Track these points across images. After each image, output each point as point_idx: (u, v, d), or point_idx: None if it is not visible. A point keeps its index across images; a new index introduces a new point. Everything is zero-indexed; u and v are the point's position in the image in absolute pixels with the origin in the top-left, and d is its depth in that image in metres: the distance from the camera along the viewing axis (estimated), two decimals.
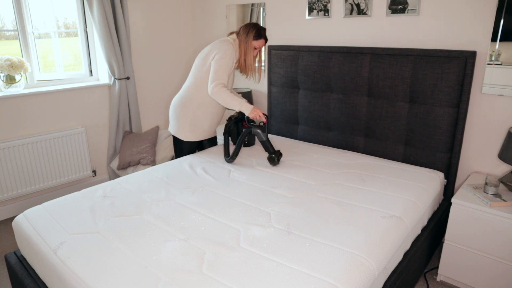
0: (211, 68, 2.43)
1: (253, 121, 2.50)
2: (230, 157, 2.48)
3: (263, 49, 2.84)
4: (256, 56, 2.58)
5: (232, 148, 2.75)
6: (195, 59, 2.57)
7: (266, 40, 2.55)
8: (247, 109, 2.41)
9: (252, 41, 2.47)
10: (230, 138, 2.80)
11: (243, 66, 2.55)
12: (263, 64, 2.70)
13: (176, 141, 2.68)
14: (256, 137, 2.56)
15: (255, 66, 2.58)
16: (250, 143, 2.89)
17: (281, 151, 2.60)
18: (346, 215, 1.79)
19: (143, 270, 1.41)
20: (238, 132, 2.70)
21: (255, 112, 2.41)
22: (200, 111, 2.57)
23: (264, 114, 2.43)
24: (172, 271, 1.39)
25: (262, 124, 2.46)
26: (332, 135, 2.88)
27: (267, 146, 2.42)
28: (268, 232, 1.64)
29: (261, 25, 3.28)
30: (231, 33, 2.57)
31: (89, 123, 3.32)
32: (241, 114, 2.64)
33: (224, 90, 2.41)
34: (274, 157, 2.39)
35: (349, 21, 2.74)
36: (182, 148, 2.69)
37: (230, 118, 2.68)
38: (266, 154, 2.67)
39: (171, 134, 3.69)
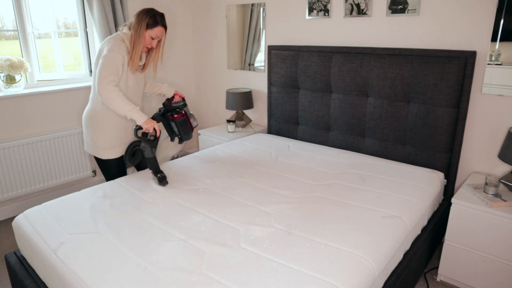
0: (98, 66, 2.05)
1: (146, 134, 2.13)
2: (129, 159, 2.19)
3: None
4: (156, 48, 2.23)
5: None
6: None
7: (165, 27, 2.18)
8: (140, 119, 2.04)
9: (144, 30, 2.10)
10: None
11: (134, 62, 2.14)
12: (159, 60, 2.32)
13: (98, 161, 2.33)
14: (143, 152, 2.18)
15: (143, 58, 2.22)
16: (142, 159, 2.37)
17: (165, 174, 2.20)
18: (346, 215, 1.79)
19: (143, 270, 1.41)
20: (169, 125, 2.35)
21: (149, 124, 2.05)
22: (110, 123, 2.21)
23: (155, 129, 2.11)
24: (172, 271, 1.39)
25: (151, 138, 2.13)
26: (332, 135, 2.88)
27: (153, 164, 2.15)
28: (268, 232, 1.64)
29: (261, 25, 3.29)
30: (125, 25, 2.20)
31: None
32: (167, 105, 2.35)
33: (113, 90, 2.00)
34: (161, 176, 2.12)
35: (349, 21, 2.74)
36: (107, 167, 2.33)
37: (159, 110, 2.36)
38: (266, 154, 2.67)
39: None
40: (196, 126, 2.48)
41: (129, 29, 2.14)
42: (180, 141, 2.38)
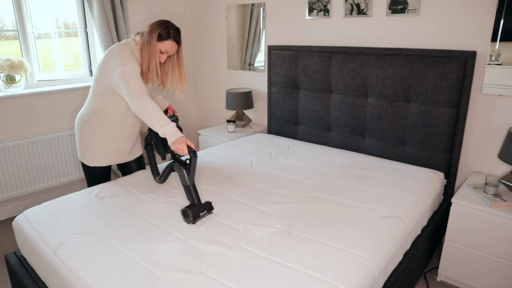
0: (119, 85, 1.90)
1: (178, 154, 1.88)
2: (160, 176, 2.02)
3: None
4: (163, 62, 2.06)
5: (160, 162, 2.31)
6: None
7: (177, 42, 2.01)
8: (171, 136, 1.81)
9: (155, 42, 1.96)
10: (156, 150, 2.21)
11: (146, 75, 2.00)
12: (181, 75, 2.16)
13: (85, 169, 2.21)
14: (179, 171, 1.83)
15: (159, 74, 2.04)
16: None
17: (211, 204, 1.82)
18: (346, 215, 1.79)
19: (143, 270, 1.41)
20: (164, 144, 2.14)
21: (180, 145, 1.79)
22: (103, 129, 2.09)
23: (191, 150, 1.79)
24: (172, 271, 1.39)
25: (187, 161, 1.84)
26: (332, 135, 2.88)
27: (191, 193, 1.78)
28: (268, 232, 1.64)
29: (261, 25, 3.29)
30: (138, 33, 2.06)
31: None
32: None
33: (150, 104, 1.86)
34: (189, 212, 1.70)
35: (349, 21, 2.74)
36: (92, 174, 2.20)
37: (150, 129, 2.13)
38: (266, 155, 2.67)
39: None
40: (194, 158, 2.33)
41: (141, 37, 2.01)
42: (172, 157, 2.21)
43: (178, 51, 2.08)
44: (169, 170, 2.00)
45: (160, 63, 2.04)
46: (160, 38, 1.96)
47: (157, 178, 2.07)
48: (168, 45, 1.99)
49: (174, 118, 2.20)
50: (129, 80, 1.88)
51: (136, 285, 1.33)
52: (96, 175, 2.21)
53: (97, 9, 3.00)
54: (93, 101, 2.07)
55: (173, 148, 1.81)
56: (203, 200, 1.95)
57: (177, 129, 1.86)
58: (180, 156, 1.87)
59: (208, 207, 1.79)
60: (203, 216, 1.77)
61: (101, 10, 3.00)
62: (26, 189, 3.00)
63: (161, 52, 2.01)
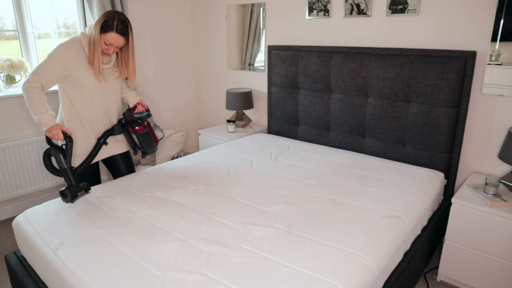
0: None
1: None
2: (58, 170, 1.97)
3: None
4: (110, 53, 2.02)
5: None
6: None
7: (122, 34, 1.96)
8: (47, 124, 1.86)
9: (98, 34, 1.93)
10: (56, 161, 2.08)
11: (91, 63, 2.00)
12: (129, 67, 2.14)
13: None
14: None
15: (101, 67, 2.01)
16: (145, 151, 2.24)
17: (88, 185, 1.96)
18: (346, 215, 1.79)
19: (143, 270, 1.41)
20: (131, 137, 2.23)
21: (54, 131, 1.85)
22: (68, 125, 2.07)
23: (66, 136, 1.88)
24: (172, 271, 1.39)
25: (63, 146, 1.91)
26: (332, 135, 2.88)
27: (68, 176, 1.89)
28: (268, 232, 1.64)
29: (261, 25, 3.29)
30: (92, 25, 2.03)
31: None
32: (127, 116, 2.18)
33: (33, 89, 1.86)
34: (66, 192, 1.84)
35: (349, 21, 2.74)
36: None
37: (119, 121, 2.20)
38: (266, 155, 2.67)
39: (170, 134, 3.67)
40: (161, 138, 2.35)
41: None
42: (143, 155, 2.25)
43: (128, 43, 2.05)
44: (46, 155, 1.97)
45: (109, 54, 2.03)
46: (103, 29, 1.93)
47: (55, 172, 1.99)
48: (112, 38, 1.95)
49: (145, 114, 2.21)
50: (42, 61, 1.92)
51: (136, 285, 1.33)
52: (84, 174, 2.19)
53: (97, 9, 3.00)
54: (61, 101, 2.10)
55: (48, 134, 1.86)
56: None
57: (53, 118, 1.89)
58: (55, 142, 1.95)
59: (85, 188, 1.93)
60: (81, 195, 1.92)
61: (101, 10, 3.00)
62: (26, 189, 3.00)
63: (106, 44, 1.97)
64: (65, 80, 2.00)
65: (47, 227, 1.72)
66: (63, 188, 1.87)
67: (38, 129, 3.03)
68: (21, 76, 2.93)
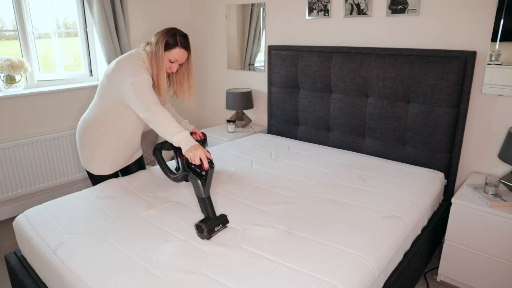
0: (129, 95, 1.81)
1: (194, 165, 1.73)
2: (176, 176, 1.87)
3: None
4: (174, 71, 1.97)
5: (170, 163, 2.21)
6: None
7: (186, 49, 1.92)
8: (186, 143, 1.71)
9: (163, 52, 1.87)
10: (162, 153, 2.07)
11: (157, 87, 1.93)
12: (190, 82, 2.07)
13: (89, 175, 2.15)
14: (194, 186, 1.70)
15: (168, 86, 1.97)
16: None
17: (226, 218, 1.69)
18: (346, 215, 1.79)
19: (143, 270, 1.41)
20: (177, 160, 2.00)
21: (194, 152, 1.67)
22: (108, 138, 2.02)
23: (208, 159, 1.67)
24: (172, 271, 1.39)
25: (203, 173, 1.69)
26: (332, 135, 2.88)
27: (206, 206, 1.67)
28: (268, 232, 1.64)
29: (261, 25, 3.29)
30: (147, 43, 1.96)
31: None
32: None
33: (160, 112, 1.77)
34: (203, 227, 1.58)
35: (349, 21, 2.74)
36: (99, 181, 2.15)
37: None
38: (266, 154, 2.67)
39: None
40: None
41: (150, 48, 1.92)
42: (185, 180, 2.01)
43: (188, 58, 1.99)
44: (183, 176, 1.85)
45: (172, 73, 1.97)
46: (168, 47, 1.87)
47: (172, 176, 1.89)
48: (177, 53, 1.90)
49: (202, 141, 2.08)
50: (141, 90, 1.79)
51: (136, 285, 1.33)
52: (102, 181, 2.17)
53: (97, 9, 3.00)
54: (98, 107, 1.98)
55: (187, 155, 1.69)
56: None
57: (191, 137, 1.75)
58: (195, 166, 1.73)
59: (223, 221, 1.67)
60: (218, 230, 1.64)
61: (101, 10, 3.00)
62: (26, 189, 3.00)
63: (171, 62, 1.92)
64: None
65: (47, 227, 1.72)
66: (199, 221, 1.61)
67: (38, 129, 3.03)
68: (21, 76, 2.93)
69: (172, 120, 1.77)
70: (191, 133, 2.11)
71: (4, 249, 2.60)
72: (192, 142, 1.72)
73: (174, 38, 1.88)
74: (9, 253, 1.91)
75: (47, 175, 3.08)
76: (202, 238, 1.60)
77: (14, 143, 2.86)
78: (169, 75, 2.06)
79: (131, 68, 1.83)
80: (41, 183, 3.07)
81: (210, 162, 1.67)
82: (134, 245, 1.56)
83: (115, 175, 2.23)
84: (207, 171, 1.66)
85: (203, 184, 1.66)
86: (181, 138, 1.72)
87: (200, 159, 1.67)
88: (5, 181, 2.87)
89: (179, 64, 1.97)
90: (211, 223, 1.61)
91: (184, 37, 1.92)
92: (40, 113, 3.02)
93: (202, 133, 2.13)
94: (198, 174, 1.68)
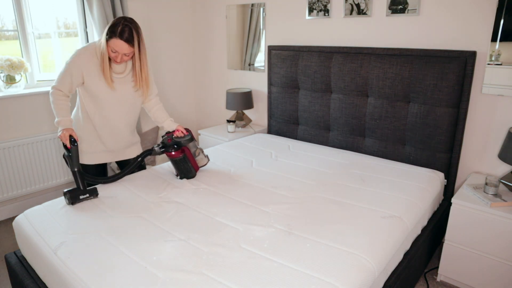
0: None
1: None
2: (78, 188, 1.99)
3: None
4: (119, 62, 1.95)
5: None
6: None
7: (126, 41, 1.88)
8: (61, 127, 1.93)
9: (105, 41, 1.89)
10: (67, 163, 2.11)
11: (105, 75, 1.99)
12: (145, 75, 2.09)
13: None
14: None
15: (110, 75, 1.99)
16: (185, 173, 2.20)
17: (96, 190, 1.97)
18: (346, 215, 1.79)
19: (143, 270, 1.41)
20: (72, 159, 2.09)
21: (62, 133, 1.90)
22: (87, 124, 2.12)
23: (72, 140, 1.91)
24: (172, 271, 1.39)
25: (67, 152, 1.94)
26: (332, 135, 2.88)
27: (75, 178, 1.94)
28: (268, 232, 1.64)
29: (261, 25, 3.29)
30: None
31: None
32: (166, 140, 2.16)
33: (54, 95, 1.95)
34: (67, 194, 1.88)
35: (349, 21, 2.74)
36: (87, 172, 2.18)
37: (158, 144, 2.19)
38: (266, 154, 2.67)
39: None
40: (205, 164, 2.34)
41: None
42: (181, 177, 2.22)
43: (140, 51, 1.97)
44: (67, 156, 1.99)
45: (118, 62, 1.96)
46: (108, 36, 1.88)
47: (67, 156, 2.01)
48: (115, 44, 1.88)
49: (186, 138, 2.16)
50: (61, 70, 1.97)
51: (136, 285, 1.33)
52: (90, 173, 2.20)
53: (97, 9, 3.00)
54: (78, 101, 2.15)
55: (58, 135, 1.92)
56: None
57: (69, 123, 1.95)
58: (64, 146, 1.95)
59: (90, 192, 1.94)
60: (84, 199, 1.92)
61: (101, 10, 3.00)
62: (26, 189, 3.00)
63: (112, 52, 1.91)
64: (82, 85, 2.04)
65: (47, 227, 1.72)
66: (66, 189, 1.91)
67: (38, 129, 3.03)
68: (21, 76, 2.93)
69: (61, 108, 1.95)
70: (174, 131, 2.20)
71: (4, 249, 2.60)
72: (65, 126, 1.92)
73: (114, 28, 1.87)
74: (9, 253, 1.91)
75: (47, 175, 3.08)
76: (67, 203, 1.89)
77: (15, 143, 2.86)
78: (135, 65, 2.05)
79: (77, 49, 1.99)
80: (41, 183, 3.07)
81: (73, 141, 1.91)
82: (134, 245, 1.56)
83: (102, 172, 2.30)
84: (71, 149, 1.91)
85: (71, 159, 1.92)
86: (58, 121, 1.93)
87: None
88: (5, 181, 2.87)
89: (126, 55, 1.94)
90: (76, 192, 1.90)
91: (129, 29, 1.88)
92: (40, 113, 3.02)
93: (186, 129, 2.20)
94: (68, 152, 1.94)
